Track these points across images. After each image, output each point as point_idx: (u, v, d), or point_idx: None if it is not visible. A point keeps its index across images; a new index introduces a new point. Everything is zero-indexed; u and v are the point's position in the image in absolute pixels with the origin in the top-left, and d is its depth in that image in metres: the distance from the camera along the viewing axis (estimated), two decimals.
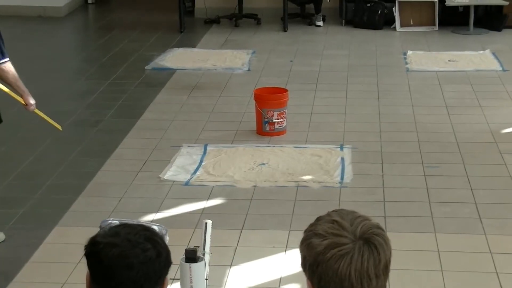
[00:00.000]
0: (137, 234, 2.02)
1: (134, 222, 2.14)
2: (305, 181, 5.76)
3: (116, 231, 2.04)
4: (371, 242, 1.82)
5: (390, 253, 1.86)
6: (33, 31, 10.49)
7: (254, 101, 6.82)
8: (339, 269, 1.79)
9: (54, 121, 5.53)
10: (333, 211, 1.92)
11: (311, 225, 1.90)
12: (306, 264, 1.85)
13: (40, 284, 4.45)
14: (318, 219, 1.90)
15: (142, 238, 2.02)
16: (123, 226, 2.07)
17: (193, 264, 3.50)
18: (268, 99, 6.75)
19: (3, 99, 5.36)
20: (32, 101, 5.15)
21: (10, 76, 5.02)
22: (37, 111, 5.28)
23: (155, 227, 2.39)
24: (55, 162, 6.19)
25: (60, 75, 8.81)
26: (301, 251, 1.88)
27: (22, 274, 4.55)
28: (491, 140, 6.52)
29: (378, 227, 1.87)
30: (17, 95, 5.12)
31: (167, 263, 2.05)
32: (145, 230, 2.05)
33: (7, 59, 5.00)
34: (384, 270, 1.83)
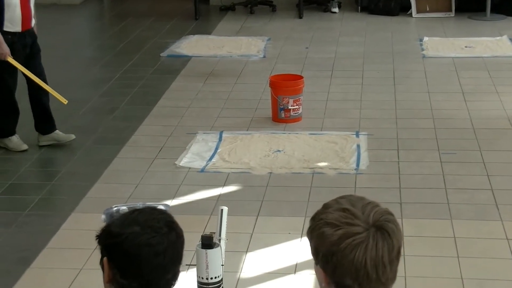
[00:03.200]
0: (155, 219, 2.02)
1: (140, 205, 2.14)
2: (320, 167, 5.75)
3: (133, 219, 2.02)
4: (384, 229, 1.81)
5: (401, 238, 1.86)
6: (48, 19, 10.50)
7: (269, 88, 6.81)
8: (354, 259, 1.79)
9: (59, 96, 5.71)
10: (341, 197, 1.90)
11: (319, 213, 1.88)
12: (319, 253, 1.84)
13: (57, 269, 4.48)
14: (326, 206, 1.88)
15: (162, 223, 2.02)
16: (137, 212, 2.05)
17: (209, 250, 3.51)
18: (284, 86, 6.74)
19: None
20: (3, 50, 5.84)
21: None
22: (14, 62, 5.84)
23: (161, 207, 2.40)
24: (71, 150, 6.21)
25: (75, 63, 8.83)
26: (312, 240, 1.86)
27: (39, 260, 4.58)
28: (508, 127, 6.48)
29: (389, 213, 1.86)
30: None
31: (184, 242, 2.07)
32: (161, 213, 2.06)
33: None
34: (397, 255, 1.84)
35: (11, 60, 5.94)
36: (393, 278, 1.85)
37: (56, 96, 6.12)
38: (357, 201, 1.87)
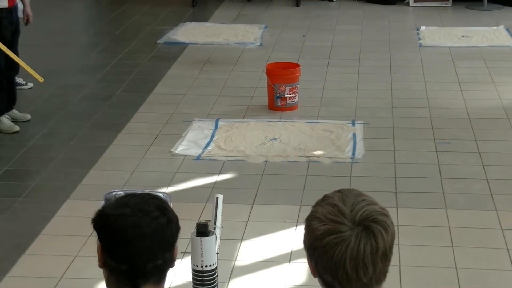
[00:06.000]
0: (146, 203, 2.03)
1: (139, 191, 2.14)
2: (316, 156, 5.75)
3: (124, 202, 2.04)
4: (370, 229, 1.78)
5: (392, 240, 1.81)
6: (45, 5, 10.46)
7: (266, 76, 6.80)
8: (334, 256, 1.77)
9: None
10: (339, 191, 1.88)
11: (316, 204, 1.87)
12: (306, 245, 1.85)
13: (52, 256, 4.48)
14: (324, 198, 1.87)
15: (152, 206, 2.02)
16: (130, 196, 2.07)
17: (204, 238, 3.51)
18: (280, 74, 6.74)
19: None
20: None
21: None
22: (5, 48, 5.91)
23: (160, 194, 2.40)
24: (67, 136, 6.20)
25: (72, 49, 8.80)
26: (304, 230, 1.86)
27: (34, 246, 4.58)
28: (503, 117, 6.49)
29: (382, 213, 1.81)
30: None
31: (177, 228, 2.07)
32: (153, 198, 2.06)
33: None
34: (382, 257, 1.80)
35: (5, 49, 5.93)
36: (379, 280, 1.82)
37: (32, 74, 6.17)
38: (350, 198, 1.83)
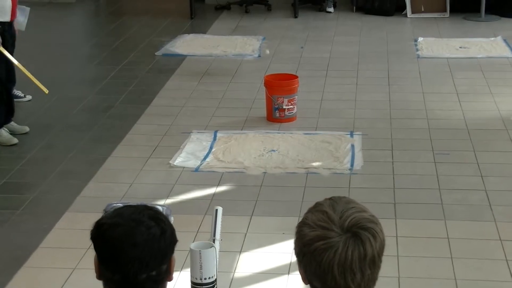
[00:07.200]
0: (141, 213, 2.04)
1: (138, 203, 2.15)
2: (315, 167, 5.76)
3: (119, 212, 2.06)
4: (358, 236, 1.80)
5: (381, 247, 1.83)
6: (44, 17, 10.49)
7: (264, 88, 6.81)
8: (322, 262, 1.79)
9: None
10: (330, 198, 1.90)
11: (308, 210, 1.90)
12: (296, 251, 1.87)
13: (51, 269, 4.47)
14: (315, 205, 1.89)
15: (146, 217, 2.03)
16: (126, 207, 2.09)
17: (203, 251, 3.50)
18: (278, 85, 6.75)
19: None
20: None
21: None
22: (4, 51, 6.02)
23: (159, 207, 2.41)
24: (66, 148, 6.20)
25: (71, 61, 8.82)
26: (295, 236, 1.88)
27: (33, 259, 4.58)
28: (501, 127, 6.50)
29: (371, 220, 1.84)
30: None
31: (172, 240, 2.06)
32: (148, 209, 2.07)
33: None
34: (370, 264, 1.81)
35: (2, 49, 6.01)
36: (368, 286, 1.83)
37: (38, 85, 6.25)
38: (340, 205, 1.86)
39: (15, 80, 6.36)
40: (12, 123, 6.38)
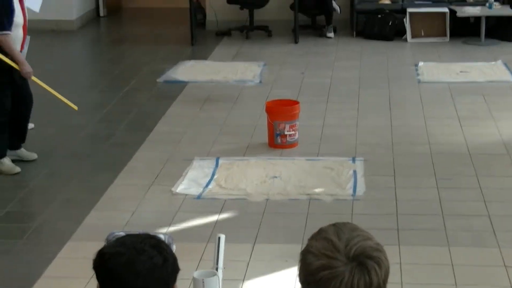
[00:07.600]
0: (143, 242, 2.04)
1: (140, 232, 2.16)
2: (317, 194, 5.75)
3: (122, 241, 2.07)
4: (364, 265, 1.80)
5: (385, 275, 1.84)
6: (47, 44, 10.54)
7: (265, 114, 6.82)
8: None
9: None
10: (334, 225, 1.90)
11: (311, 237, 1.89)
12: (300, 279, 1.87)
13: None
14: (319, 231, 1.89)
15: (148, 246, 2.03)
16: (128, 236, 2.10)
17: (206, 279, 3.49)
18: (280, 111, 6.76)
19: None
20: (28, 69, 6.08)
21: (5, 47, 5.95)
22: (37, 80, 6.29)
23: (161, 236, 2.41)
24: (68, 176, 6.20)
25: (72, 88, 8.81)
26: (299, 264, 1.87)
27: None
28: (504, 152, 6.50)
29: (376, 249, 1.84)
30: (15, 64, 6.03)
31: (174, 269, 2.06)
32: (150, 238, 2.07)
33: (6, 32, 5.92)
34: None
35: (35, 78, 6.25)
36: None
37: (67, 103, 6.63)
38: (345, 232, 1.86)
39: (30, 105, 6.39)
40: (22, 149, 6.41)
